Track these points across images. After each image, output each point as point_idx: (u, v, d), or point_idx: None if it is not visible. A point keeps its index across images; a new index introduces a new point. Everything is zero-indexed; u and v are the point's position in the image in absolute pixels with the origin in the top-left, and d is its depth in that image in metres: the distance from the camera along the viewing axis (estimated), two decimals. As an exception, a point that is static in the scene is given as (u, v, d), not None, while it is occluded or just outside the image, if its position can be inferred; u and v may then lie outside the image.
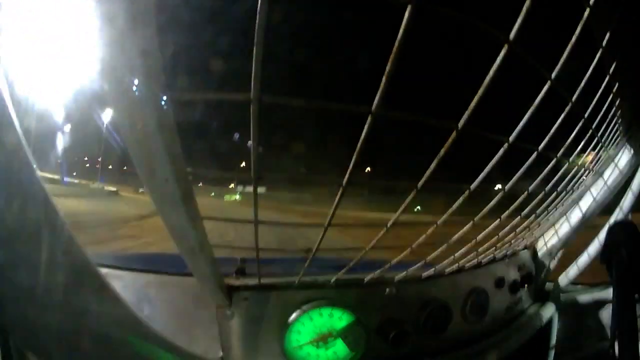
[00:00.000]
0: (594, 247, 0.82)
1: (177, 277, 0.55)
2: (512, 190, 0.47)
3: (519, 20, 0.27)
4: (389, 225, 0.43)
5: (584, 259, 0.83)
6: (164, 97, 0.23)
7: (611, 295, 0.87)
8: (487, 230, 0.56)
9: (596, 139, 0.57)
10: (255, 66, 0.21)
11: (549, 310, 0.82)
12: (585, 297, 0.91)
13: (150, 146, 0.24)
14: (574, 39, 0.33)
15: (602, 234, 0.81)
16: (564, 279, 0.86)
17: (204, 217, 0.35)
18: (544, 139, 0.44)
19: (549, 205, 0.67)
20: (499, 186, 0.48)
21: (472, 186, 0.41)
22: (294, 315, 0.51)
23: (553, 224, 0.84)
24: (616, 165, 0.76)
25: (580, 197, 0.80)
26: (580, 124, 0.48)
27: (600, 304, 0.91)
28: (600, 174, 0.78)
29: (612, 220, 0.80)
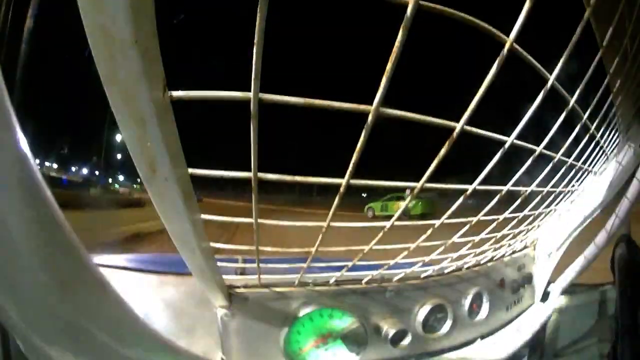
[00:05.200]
0: (594, 248, 0.82)
1: (177, 277, 0.55)
2: (512, 190, 0.47)
3: (519, 20, 0.26)
4: (388, 225, 0.43)
5: (584, 259, 0.83)
6: (164, 96, 0.23)
7: (611, 295, 0.88)
8: (487, 230, 0.56)
9: (596, 139, 0.57)
10: (255, 65, 0.21)
11: (549, 310, 0.82)
12: (585, 297, 0.91)
13: (150, 146, 0.24)
14: (574, 39, 0.33)
15: (602, 235, 0.81)
16: (564, 279, 0.86)
17: (204, 217, 0.35)
18: (544, 139, 0.44)
19: (549, 206, 0.67)
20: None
21: (472, 186, 0.41)
22: (294, 316, 0.51)
23: (553, 224, 0.84)
24: (616, 165, 0.76)
25: (580, 198, 0.80)
26: (580, 124, 0.48)
27: (600, 304, 0.91)
28: (600, 174, 0.78)
29: (611, 220, 0.80)
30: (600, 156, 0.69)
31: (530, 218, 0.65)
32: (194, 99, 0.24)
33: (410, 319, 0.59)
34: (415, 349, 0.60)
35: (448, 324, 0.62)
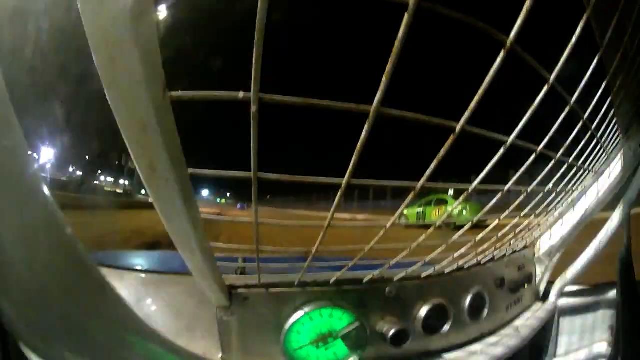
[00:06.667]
0: (594, 247, 0.82)
1: (177, 277, 0.55)
2: (511, 190, 0.47)
3: (519, 21, 0.26)
4: (388, 225, 0.43)
5: (584, 259, 0.83)
6: (164, 97, 0.23)
7: (611, 295, 0.88)
8: (487, 230, 0.56)
9: (596, 139, 0.57)
10: (255, 65, 0.21)
11: (549, 310, 0.82)
12: (585, 297, 0.91)
13: (151, 146, 0.24)
14: (574, 39, 0.33)
15: (602, 234, 0.81)
16: (564, 279, 0.86)
17: (204, 217, 0.35)
18: (543, 139, 0.44)
19: (548, 205, 0.67)
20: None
21: (472, 186, 0.41)
22: (294, 316, 0.51)
23: (553, 224, 0.84)
24: (616, 165, 0.76)
25: (580, 197, 0.80)
26: (580, 124, 0.48)
27: (600, 303, 0.91)
28: (600, 174, 0.78)
29: (611, 220, 0.80)
30: (600, 156, 0.69)
31: (531, 218, 0.65)
32: (193, 99, 0.24)
33: (410, 319, 0.59)
34: (415, 349, 0.60)
35: (448, 324, 0.62)
